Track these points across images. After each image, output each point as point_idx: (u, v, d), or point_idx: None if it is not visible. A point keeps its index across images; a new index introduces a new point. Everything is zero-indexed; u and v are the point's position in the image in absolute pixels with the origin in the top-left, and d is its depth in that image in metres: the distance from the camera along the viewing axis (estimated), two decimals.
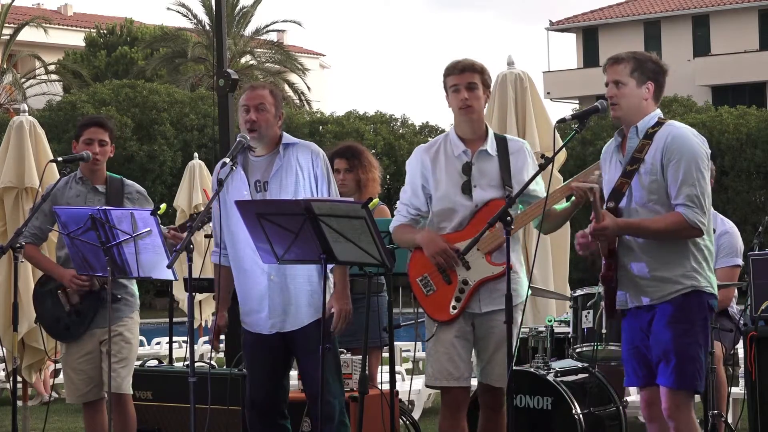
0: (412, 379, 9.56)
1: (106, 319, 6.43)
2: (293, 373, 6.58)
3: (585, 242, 5.47)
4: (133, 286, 6.75)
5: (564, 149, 6.67)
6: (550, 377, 6.97)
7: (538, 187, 5.87)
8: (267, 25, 42.19)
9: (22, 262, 6.79)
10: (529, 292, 6.02)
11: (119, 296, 6.57)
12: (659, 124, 5.42)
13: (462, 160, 5.93)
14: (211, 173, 6.47)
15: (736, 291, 8.41)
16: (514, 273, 5.82)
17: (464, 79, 5.92)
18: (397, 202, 6.14)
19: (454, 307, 5.86)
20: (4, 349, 9.35)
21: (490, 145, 5.95)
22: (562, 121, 5.55)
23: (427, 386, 6.18)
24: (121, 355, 6.58)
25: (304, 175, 5.94)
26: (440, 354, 5.90)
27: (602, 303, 7.14)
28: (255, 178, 5.97)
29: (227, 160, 5.76)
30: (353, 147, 7.51)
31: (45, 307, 6.78)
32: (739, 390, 8.65)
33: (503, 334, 5.65)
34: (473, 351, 5.97)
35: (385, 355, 7.69)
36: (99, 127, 6.73)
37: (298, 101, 40.81)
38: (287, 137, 6.05)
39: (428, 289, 5.92)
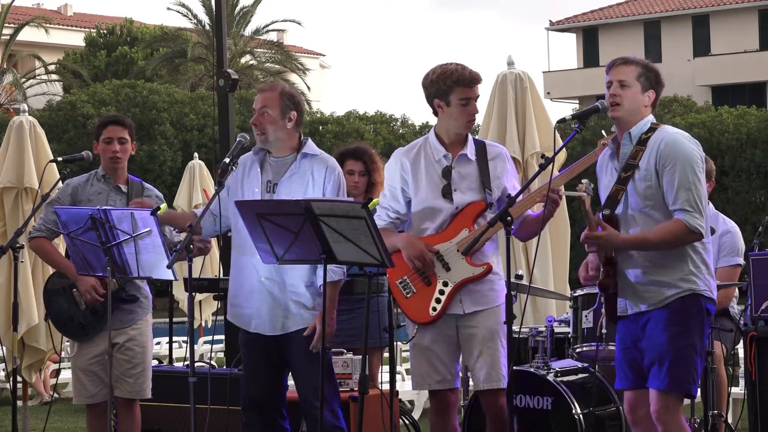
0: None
1: (121, 320, 6.52)
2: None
3: (587, 276, 5.51)
4: (146, 288, 6.74)
5: (564, 149, 6.67)
6: (550, 377, 6.96)
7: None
8: (267, 25, 42.21)
9: (22, 262, 6.79)
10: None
11: (137, 297, 6.60)
12: (652, 129, 5.42)
13: (442, 164, 5.92)
14: (211, 173, 6.46)
15: (736, 290, 8.40)
16: (494, 274, 5.83)
17: (475, 93, 5.91)
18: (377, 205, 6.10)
19: (434, 309, 5.83)
20: (4, 349, 9.35)
21: (470, 150, 5.94)
22: (562, 121, 5.56)
23: (414, 389, 6.19)
24: (136, 360, 6.61)
25: (315, 187, 5.93)
26: (419, 359, 5.93)
27: (603, 310, 7.16)
28: (268, 177, 6.00)
29: (227, 160, 5.78)
30: (368, 149, 7.42)
31: (58, 304, 6.73)
32: (739, 390, 8.65)
33: (486, 336, 5.70)
34: (461, 354, 5.96)
35: (386, 355, 7.69)
36: (117, 125, 6.76)
37: None
38: (310, 147, 6.02)
39: (408, 291, 5.90)
